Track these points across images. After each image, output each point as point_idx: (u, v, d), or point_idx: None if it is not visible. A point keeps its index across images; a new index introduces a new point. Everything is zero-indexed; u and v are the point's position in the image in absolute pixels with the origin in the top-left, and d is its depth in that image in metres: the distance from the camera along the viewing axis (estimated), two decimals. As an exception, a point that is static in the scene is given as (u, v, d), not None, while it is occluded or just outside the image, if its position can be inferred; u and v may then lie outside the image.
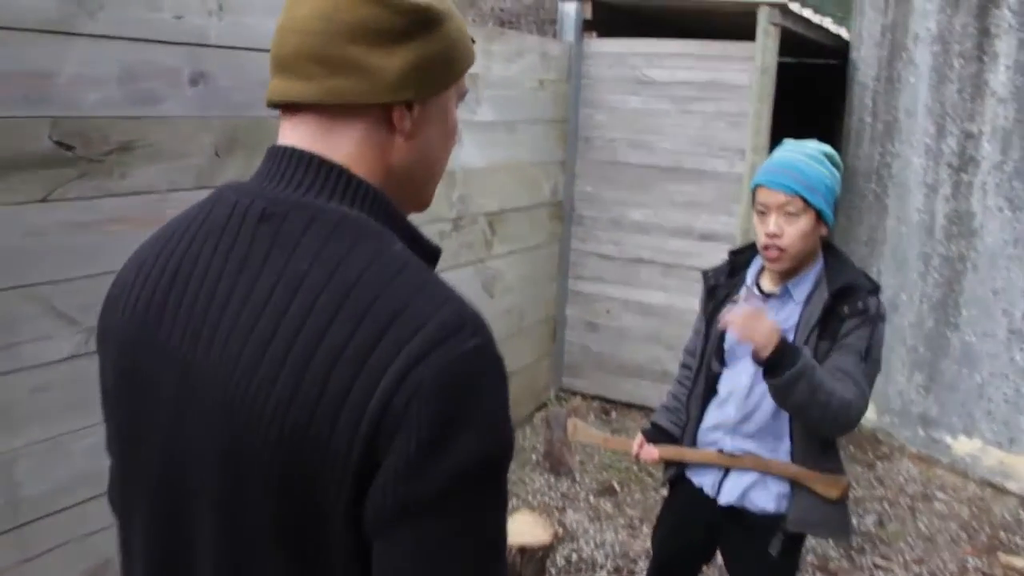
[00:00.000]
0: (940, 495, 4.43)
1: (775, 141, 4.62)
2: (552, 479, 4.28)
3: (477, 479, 0.85)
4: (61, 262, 2.37)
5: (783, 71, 4.82)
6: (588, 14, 4.93)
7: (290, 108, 0.96)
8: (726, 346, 2.21)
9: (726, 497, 2.20)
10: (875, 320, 2.01)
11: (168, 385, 0.93)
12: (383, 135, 0.96)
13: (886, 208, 5.07)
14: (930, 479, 4.59)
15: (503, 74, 4.30)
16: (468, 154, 4.09)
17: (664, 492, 2.48)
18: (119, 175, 2.50)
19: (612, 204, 5.08)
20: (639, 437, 2.33)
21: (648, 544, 3.75)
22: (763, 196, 2.09)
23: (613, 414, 5.18)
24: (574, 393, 5.40)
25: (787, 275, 2.13)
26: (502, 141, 4.36)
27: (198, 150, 2.67)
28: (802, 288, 2.12)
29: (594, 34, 4.98)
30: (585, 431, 2.47)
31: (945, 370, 4.74)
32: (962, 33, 4.56)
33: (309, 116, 0.95)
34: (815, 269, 2.13)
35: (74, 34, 2.34)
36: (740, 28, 4.70)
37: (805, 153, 2.07)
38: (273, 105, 0.98)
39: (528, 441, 4.75)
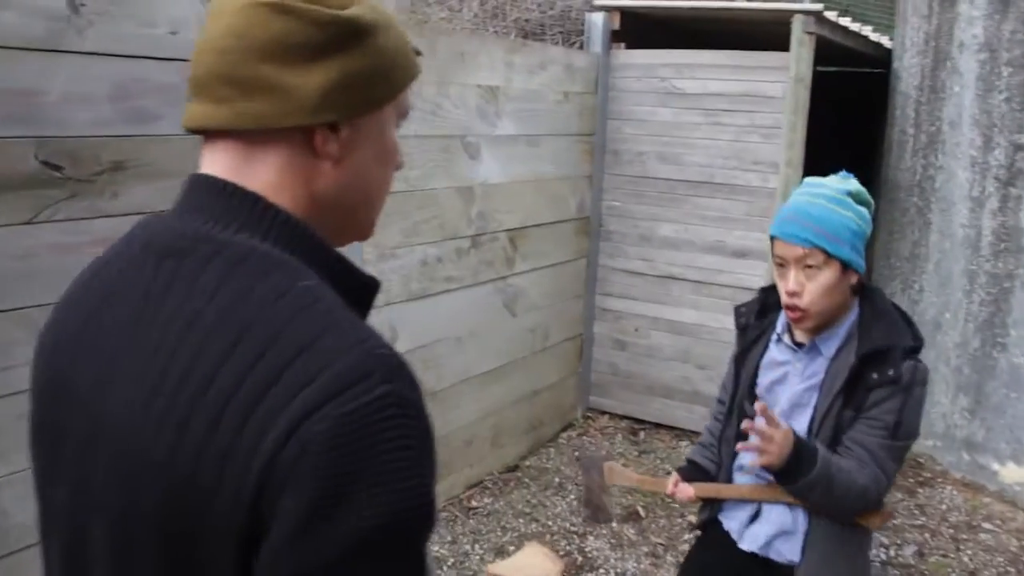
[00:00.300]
0: (986, 525, 4.19)
1: (811, 154, 4.49)
2: (574, 503, 4.15)
3: (380, 549, 0.75)
4: (50, 285, 2.31)
5: (824, 81, 4.64)
6: (616, 24, 4.81)
7: (208, 134, 0.89)
8: (758, 391, 2.06)
9: (750, 543, 2.07)
10: (908, 388, 1.81)
11: (76, 434, 0.88)
12: (306, 161, 0.88)
13: (929, 223, 4.86)
14: (976, 508, 4.35)
15: (525, 87, 4.19)
16: (488, 169, 3.99)
17: (695, 524, 2.35)
18: (111, 195, 2.45)
19: (641, 219, 4.94)
20: (674, 476, 2.20)
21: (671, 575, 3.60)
22: (780, 249, 1.90)
23: (641, 435, 5.02)
24: (602, 413, 5.25)
25: (816, 329, 1.95)
26: (524, 155, 4.26)
27: (195, 168, 2.60)
28: (831, 343, 1.93)
29: (622, 45, 4.85)
30: (621, 474, 2.38)
31: (992, 393, 4.51)
32: (1011, 40, 4.35)
33: (227, 142, 0.88)
34: (848, 321, 1.93)
35: (62, 51, 2.28)
36: (774, 37, 4.54)
37: (824, 196, 1.87)
38: (188, 130, 0.90)
39: (552, 463, 4.62)
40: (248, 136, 0.86)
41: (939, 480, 4.64)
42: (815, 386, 1.92)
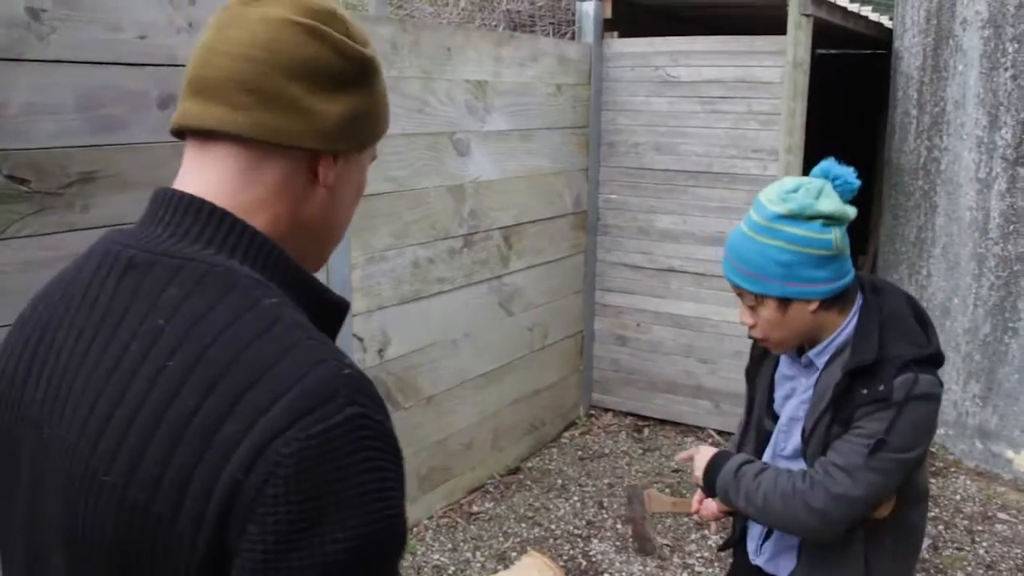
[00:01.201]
0: (1002, 516, 4.09)
1: (811, 140, 4.37)
2: (578, 505, 4.06)
3: (352, 572, 0.73)
4: (20, 303, 2.22)
5: (825, 64, 4.52)
6: (608, 13, 4.70)
7: (205, 136, 0.86)
8: (776, 407, 1.93)
9: (760, 558, 1.96)
10: (901, 405, 1.61)
11: (28, 453, 0.86)
12: (302, 182, 0.89)
13: (935, 206, 4.74)
14: (990, 498, 4.25)
15: (515, 80, 4.08)
16: (478, 166, 3.89)
17: (721, 546, 2.24)
18: (81, 208, 2.36)
19: (639, 212, 4.84)
20: (698, 493, 2.06)
21: (679, 577, 3.51)
22: None
23: (646, 431, 4.92)
24: (605, 410, 5.16)
25: (809, 343, 1.80)
26: (516, 150, 4.15)
27: (170, 177, 2.49)
28: (823, 357, 1.77)
29: (615, 34, 4.74)
30: (659, 500, 2.31)
31: (1004, 379, 4.40)
32: (1016, 14, 4.23)
33: (229, 148, 0.85)
34: (842, 334, 1.74)
35: (23, 60, 2.19)
36: (770, 21, 4.43)
37: (753, 224, 1.69)
38: (185, 129, 0.88)
39: (555, 463, 4.53)
40: (253, 147, 0.85)
41: (952, 470, 4.54)
42: (807, 400, 1.79)
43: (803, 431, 1.78)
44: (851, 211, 1.68)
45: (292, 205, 0.88)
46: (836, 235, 1.65)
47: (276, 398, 0.73)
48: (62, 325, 0.86)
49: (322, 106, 0.85)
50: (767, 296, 1.69)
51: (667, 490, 4.09)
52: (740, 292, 1.74)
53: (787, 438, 1.84)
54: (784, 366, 1.90)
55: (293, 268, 0.88)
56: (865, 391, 1.64)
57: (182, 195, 0.85)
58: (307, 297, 0.87)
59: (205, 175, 0.86)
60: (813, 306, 1.69)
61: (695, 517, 2.15)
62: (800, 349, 1.83)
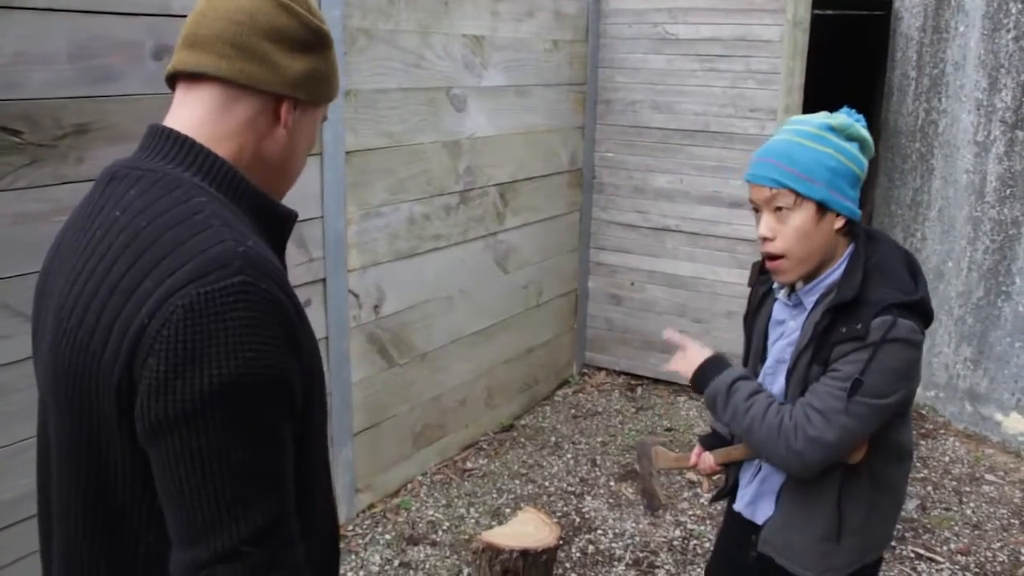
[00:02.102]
0: (989, 477, 4.14)
1: (809, 100, 4.34)
2: (571, 462, 4.09)
3: (223, 405, 0.93)
4: (13, 256, 2.21)
5: (822, 25, 4.47)
6: (607, -32, 4.63)
7: (194, 79, 1.10)
8: (768, 353, 1.94)
9: (740, 504, 1.99)
10: (877, 346, 1.62)
11: (41, 320, 1.13)
12: (267, 122, 1.13)
13: (932, 169, 4.72)
14: (978, 459, 4.30)
15: (512, 36, 4.03)
16: (474, 121, 3.85)
17: (714, 496, 2.26)
18: (75, 160, 2.32)
19: (635, 170, 4.81)
20: (696, 447, 2.08)
21: (671, 534, 3.55)
22: (752, 192, 1.76)
23: (639, 390, 4.95)
24: (598, 369, 5.18)
25: (804, 280, 1.80)
26: (512, 107, 4.11)
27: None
28: (811, 297, 1.78)
29: (614, -11, 4.68)
30: (665, 456, 2.30)
31: (995, 342, 4.42)
32: (1018, -25, 4.18)
33: (212, 89, 1.10)
34: (834, 273, 1.75)
35: (13, 8, 2.14)
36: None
37: (799, 132, 1.71)
38: (178, 73, 1.11)
39: (548, 421, 4.56)
40: (233, 88, 1.09)
41: (941, 432, 4.58)
42: (794, 341, 1.81)
43: (787, 371, 1.79)
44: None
45: (256, 139, 1.12)
46: (864, 164, 1.74)
47: (182, 264, 0.96)
48: (72, 227, 1.12)
49: (287, 62, 1.11)
50: (809, 199, 1.68)
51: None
52: (773, 196, 1.70)
53: (773, 380, 1.86)
54: (777, 312, 1.91)
55: (245, 185, 1.11)
56: (844, 329, 1.65)
57: (165, 128, 1.10)
58: (256, 210, 1.11)
59: (191, 108, 1.10)
60: (840, 223, 1.71)
61: (690, 475, 2.15)
62: (792, 288, 1.85)
